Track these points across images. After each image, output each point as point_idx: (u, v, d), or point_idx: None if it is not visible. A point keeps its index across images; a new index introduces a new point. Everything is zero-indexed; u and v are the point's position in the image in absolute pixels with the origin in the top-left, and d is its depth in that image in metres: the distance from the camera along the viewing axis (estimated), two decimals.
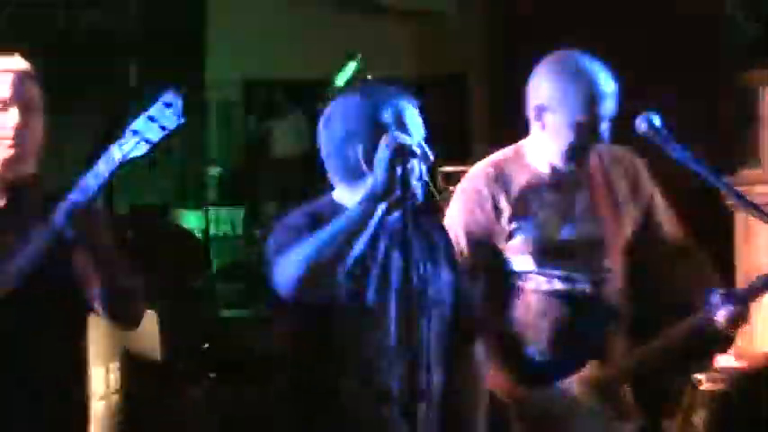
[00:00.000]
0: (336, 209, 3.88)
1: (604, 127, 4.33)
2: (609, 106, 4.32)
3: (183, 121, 3.67)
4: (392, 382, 3.85)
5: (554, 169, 4.42)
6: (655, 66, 7.74)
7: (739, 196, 4.74)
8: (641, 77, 7.26)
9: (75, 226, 3.69)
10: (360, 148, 3.82)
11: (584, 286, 4.40)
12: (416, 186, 3.79)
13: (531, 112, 4.40)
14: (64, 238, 3.74)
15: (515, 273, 4.32)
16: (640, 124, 4.23)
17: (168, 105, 3.67)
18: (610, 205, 4.43)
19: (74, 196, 3.68)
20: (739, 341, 6.07)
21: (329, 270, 3.69)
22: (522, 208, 4.39)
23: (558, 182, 4.43)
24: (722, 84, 7.53)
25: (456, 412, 4.02)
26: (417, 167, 3.78)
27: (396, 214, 3.79)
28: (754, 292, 4.37)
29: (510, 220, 4.36)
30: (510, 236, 4.36)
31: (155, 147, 3.66)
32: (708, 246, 4.69)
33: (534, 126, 4.41)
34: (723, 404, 5.16)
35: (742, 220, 6.22)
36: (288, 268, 3.70)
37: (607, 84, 4.33)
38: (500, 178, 4.42)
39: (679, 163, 4.27)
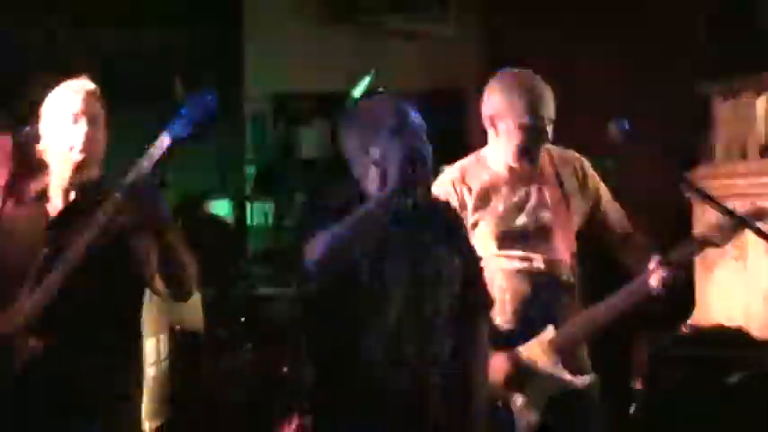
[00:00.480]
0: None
1: (547, 129, 4.44)
2: (548, 111, 4.43)
3: (216, 110, 3.78)
4: (406, 349, 3.84)
5: (509, 168, 4.52)
6: (625, 77, 7.73)
7: (696, 189, 4.79)
8: (613, 87, 7.29)
9: (134, 199, 3.74)
10: (376, 151, 3.85)
11: (539, 265, 4.48)
12: (425, 182, 3.89)
13: (486, 122, 4.52)
14: (124, 213, 3.81)
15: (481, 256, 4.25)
16: (612, 127, 4.30)
17: (208, 97, 3.75)
18: (559, 197, 4.53)
19: (131, 175, 3.76)
20: (695, 311, 6.09)
21: (347, 253, 3.75)
22: (483, 202, 4.49)
23: (513, 178, 4.53)
24: (682, 94, 7.53)
25: (464, 377, 4.01)
26: (425, 166, 3.85)
27: (410, 204, 3.84)
28: (683, 256, 4.44)
29: (473, 212, 4.45)
30: (475, 225, 4.45)
31: (197, 130, 3.75)
32: (669, 230, 4.72)
33: (490, 132, 4.53)
34: (681, 368, 5.17)
35: (699, 208, 6.22)
36: (312, 250, 3.75)
37: (545, 92, 4.44)
38: (465, 179, 4.52)
39: (644, 160, 4.32)
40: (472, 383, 4.05)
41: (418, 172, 3.78)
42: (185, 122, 3.75)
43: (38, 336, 3.89)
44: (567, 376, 4.48)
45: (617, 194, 4.72)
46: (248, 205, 8.48)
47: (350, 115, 4.08)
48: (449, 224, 4.04)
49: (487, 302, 4.13)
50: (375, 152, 3.87)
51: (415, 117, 3.92)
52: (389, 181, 3.78)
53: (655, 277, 4.36)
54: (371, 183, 3.90)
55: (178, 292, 3.99)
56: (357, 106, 4.14)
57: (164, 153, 3.73)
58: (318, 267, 3.78)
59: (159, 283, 3.92)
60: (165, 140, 3.74)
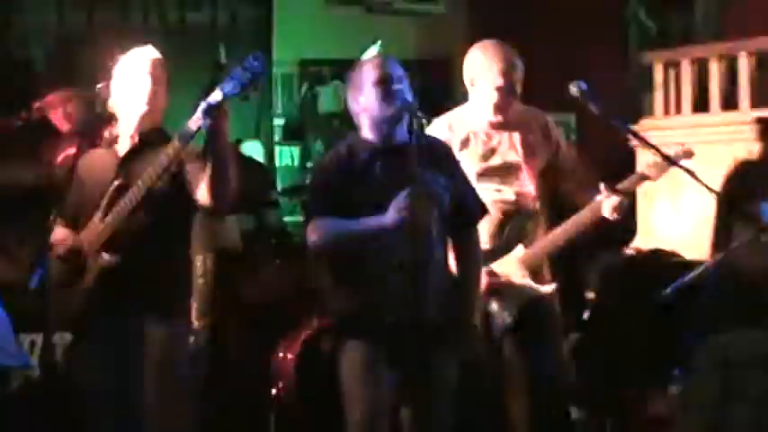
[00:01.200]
0: (361, 141, 3.98)
1: (516, 89, 4.45)
2: (517, 76, 4.43)
3: (264, 71, 3.77)
4: (405, 252, 3.82)
5: (487, 120, 4.51)
6: (585, 49, 7.71)
7: (640, 138, 4.80)
8: (575, 56, 7.27)
9: (212, 117, 3.71)
10: (363, 100, 3.91)
11: (510, 196, 4.48)
12: (400, 118, 3.88)
13: (467, 82, 4.52)
14: (181, 155, 3.84)
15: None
16: (572, 88, 4.28)
17: (256, 59, 3.73)
18: (526, 144, 4.51)
19: (189, 124, 3.77)
20: (638, 238, 6.11)
21: (337, 248, 3.89)
22: (465, 145, 4.49)
23: (489, 128, 4.53)
24: (630, 61, 7.53)
25: (463, 276, 4.04)
26: (402, 106, 3.87)
27: (401, 137, 3.85)
28: (625, 186, 4.46)
29: (458, 153, 4.38)
30: None
31: (245, 87, 3.73)
32: (614, 171, 4.74)
33: (470, 91, 4.53)
34: (625, 282, 5.18)
35: (642, 156, 6.23)
36: (311, 235, 3.88)
37: (515, 60, 4.44)
38: (452, 127, 4.52)
39: (599, 116, 4.32)
40: (471, 281, 4.06)
41: (394, 112, 3.82)
42: (235, 82, 3.73)
43: (111, 252, 3.90)
44: (534, 286, 4.50)
45: (577, 143, 4.73)
46: (277, 149, 8.48)
47: (348, 76, 4.09)
48: (438, 154, 4.03)
49: (483, 210, 4.14)
50: (363, 101, 3.91)
51: (394, 69, 3.94)
52: (372, 120, 3.89)
53: (606, 203, 4.38)
54: (363, 128, 3.93)
55: (218, 204, 3.89)
56: (353, 67, 4.10)
57: (216, 106, 3.72)
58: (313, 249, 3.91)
59: (203, 197, 3.85)
60: (217, 96, 3.72)
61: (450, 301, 3.95)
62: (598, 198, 4.40)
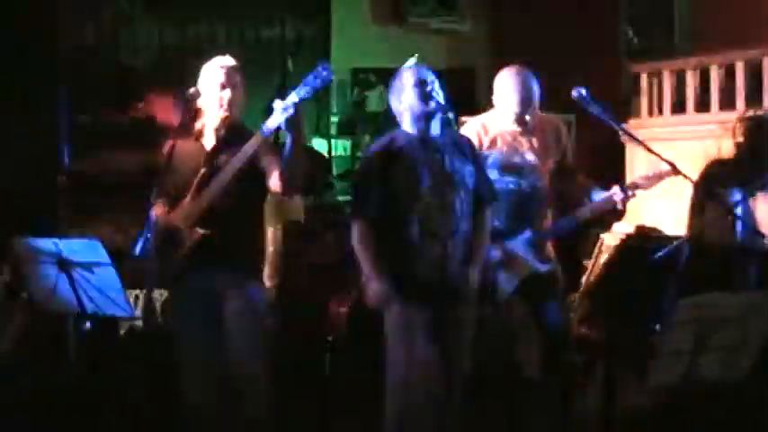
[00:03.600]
0: (403, 134, 3.97)
1: (533, 107, 4.45)
2: (534, 101, 4.45)
3: (330, 79, 3.76)
4: (437, 225, 3.86)
5: (510, 125, 4.48)
6: (584, 61, 7.64)
7: (629, 135, 4.76)
8: (577, 66, 7.20)
9: (291, 118, 3.69)
10: (404, 99, 3.92)
11: (526, 187, 4.45)
12: (436, 115, 3.92)
13: (495, 96, 4.51)
14: (261, 148, 3.81)
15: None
16: (574, 93, 4.23)
17: (324, 69, 3.70)
18: (542, 146, 4.49)
19: (270, 121, 3.74)
20: (628, 215, 6.05)
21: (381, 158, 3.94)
22: (493, 144, 4.46)
23: (513, 131, 4.49)
24: (620, 71, 7.47)
25: (473, 246, 4.02)
26: (437, 107, 3.89)
27: (435, 131, 3.83)
28: (635, 186, 4.53)
29: (486, 150, 4.41)
30: (486, 158, 4.42)
31: (316, 92, 3.72)
32: (608, 163, 4.71)
33: (497, 102, 4.51)
34: (618, 253, 5.12)
35: (630, 150, 6.17)
36: (353, 236, 3.93)
37: (533, 87, 4.45)
38: (483, 128, 4.49)
39: (596, 116, 4.29)
40: (479, 249, 4.04)
41: (431, 108, 3.81)
42: (308, 87, 3.71)
43: (201, 227, 3.90)
44: (537, 263, 4.49)
45: (576, 139, 4.70)
46: (333, 142, 8.46)
47: (392, 80, 4.08)
48: (464, 147, 4.05)
49: (493, 196, 4.13)
50: (404, 99, 3.89)
51: (427, 75, 3.92)
52: (413, 115, 3.89)
53: (618, 196, 4.46)
54: (405, 123, 3.92)
55: (290, 186, 3.90)
56: (395, 74, 4.07)
57: (292, 107, 3.70)
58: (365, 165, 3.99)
59: (276, 183, 3.86)
60: (293, 98, 3.70)
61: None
62: (613, 190, 4.46)
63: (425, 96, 3.88)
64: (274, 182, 3.84)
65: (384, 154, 3.95)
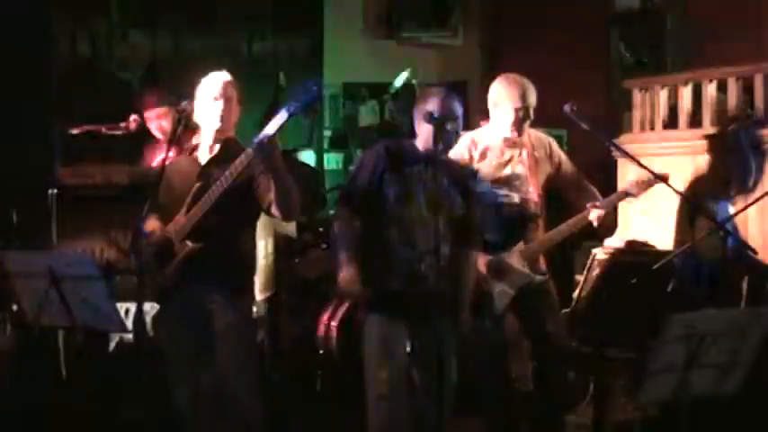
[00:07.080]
0: (409, 145, 4.02)
1: (530, 112, 4.43)
2: (532, 100, 4.43)
3: (318, 96, 3.74)
4: (416, 238, 3.88)
5: (503, 138, 4.51)
6: (577, 77, 7.66)
7: (621, 150, 4.79)
8: (568, 82, 7.22)
9: (265, 150, 3.70)
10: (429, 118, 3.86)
11: (516, 201, 4.48)
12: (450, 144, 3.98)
13: (490, 105, 4.51)
14: (253, 163, 3.79)
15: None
16: (566, 108, 4.29)
17: (312, 86, 3.70)
18: (532, 160, 4.50)
19: (261, 135, 3.71)
20: (619, 231, 6.05)
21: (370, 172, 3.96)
22: (483, 157, 4.49)
23: (503, 145, 4.52)
24: (613, 87, 7.50)
25: (458, 267, 4.02)
26: (450, 137, 3.94)
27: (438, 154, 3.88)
28: (610, 202, 4.50)
29: (477, 163, 4.46)
30: (477, 171, 4.46)
31: (305, 109, 3.70)
32: (599, 178, 4.72)
33: (492, 112, 4.52)
34: (608, 266, 5.14)
35: (621, 164, 6.17)
36: (335, 220, 4.01)
37: (530, 87, 4.44)
38: (473, 143, 4.51)
39: (587, 131, 4.31)
40: (465, 279, 4.05)
41: (445, 138, 3.82)
42: (298, 103, 3.71)
43: (191, 240, 3.90)
44: (531, 274, 4.49)
45: (567, 154, 4.71)
46: (325, 155, 8.46)
47: (418, 98, 4.12)
48: (456, 173, 4.05)
49: (478, 240, 4.15)
50: (421, 125, 3.95)
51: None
52: (425, 143, 3.93)
53: (593, 214, 4.44)
54: (423, 138, 3.91)
55: (288, 215, 3.94)
56: (421, 93, 4.11)
57: (282, 123, 3.70)
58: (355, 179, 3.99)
59: (275, 211, 3.87)
60: (283, 114, 3.70)
61: (453, 285, 3.96)
62: (586, 210, 4.44)
63: (439, 138, 3.87)
64: (274, 210, 3.85)
65: (389, 154, 3.98)
